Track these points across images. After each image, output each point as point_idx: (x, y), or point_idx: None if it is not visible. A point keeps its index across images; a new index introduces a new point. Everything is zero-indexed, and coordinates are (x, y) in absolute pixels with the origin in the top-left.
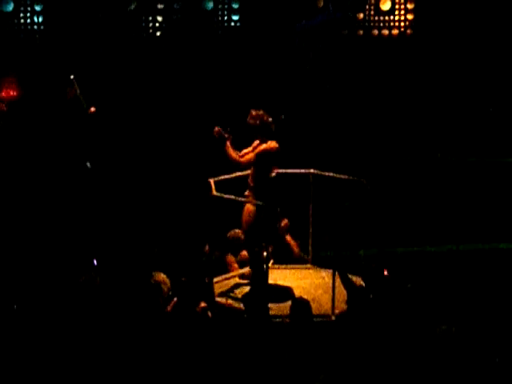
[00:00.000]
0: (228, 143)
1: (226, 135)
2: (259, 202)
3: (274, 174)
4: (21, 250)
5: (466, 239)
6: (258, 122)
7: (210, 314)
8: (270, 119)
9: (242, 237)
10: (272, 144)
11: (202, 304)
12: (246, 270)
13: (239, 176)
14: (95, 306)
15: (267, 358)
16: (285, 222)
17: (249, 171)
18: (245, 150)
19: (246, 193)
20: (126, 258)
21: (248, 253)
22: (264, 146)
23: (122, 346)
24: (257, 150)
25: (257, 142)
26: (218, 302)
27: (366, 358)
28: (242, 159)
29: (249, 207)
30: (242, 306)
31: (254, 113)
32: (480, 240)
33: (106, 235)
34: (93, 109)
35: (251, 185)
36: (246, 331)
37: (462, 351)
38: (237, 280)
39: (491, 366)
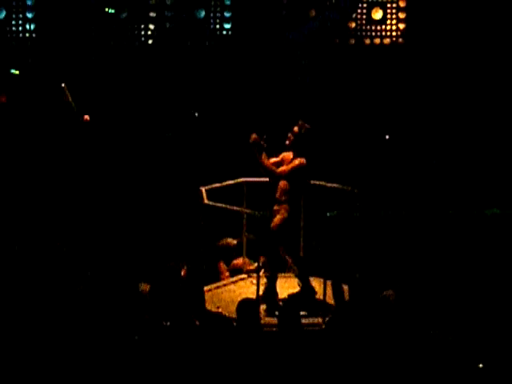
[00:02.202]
0: (264, 153)
1: (263, 143)
2: (250, 211)
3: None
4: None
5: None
6: (305, 135)
7: (197, 322)
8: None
9: (234, 245)
10: (303, 159)
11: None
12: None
13: (230, 185)
14: (81, 313)
15: (257, 366)
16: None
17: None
18: (272, 160)
19: (276, 207)
20: (115, 267)
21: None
22: (299, 160)
23: (108, 353)
24: (292, 165)
25: (288, 154)
26: (208, 310)
27: (355, 367)
28: (277, 170)
29: (279, 218)
30: (230, 314)
31: (307, 125)
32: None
33: (95, 243)
34: (86, 117)
35: (283, 198)
36: (237, 340)
37: (453, 357)
38: (230, 288)
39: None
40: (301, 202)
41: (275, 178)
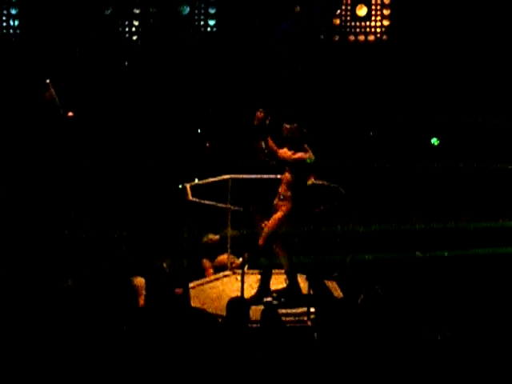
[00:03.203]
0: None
1: (267, 123)
2: (235, 207)
3: (311, 182)
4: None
5: (444, 245)
6: (296, 134)
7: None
8: (305, 130)
9: (216, 240)
10: (308, 153)
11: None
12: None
13: (214, 181)
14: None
15: (244, 363)
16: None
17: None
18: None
19: (276, 201)
20: (104, 262)
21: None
22: (301, 153)
23: (102, 348)
24: (297, 155)
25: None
26: (193, 307)
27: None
28: (280, 152)
29: (279, 215)
30: (216, 310)
31: (288, 126)
32: (455, 246)
33: (82, 239)
34: (71, 113)
35: (288, 194)
36: (223, 336)
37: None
38: (214, 285)
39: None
40: (302, 201)
41: (277, 160)
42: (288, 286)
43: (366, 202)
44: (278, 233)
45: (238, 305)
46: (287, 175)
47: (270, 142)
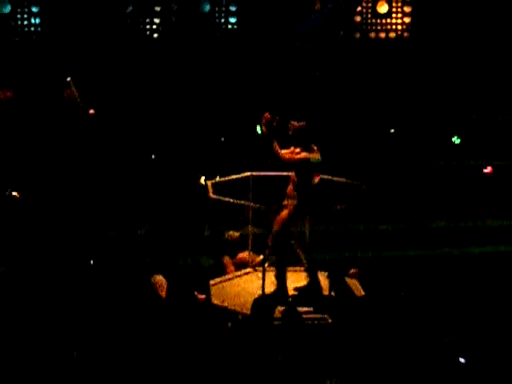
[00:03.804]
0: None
1: (275, 124)
2: (255, 205)
3: (316, 181)
4: (17, 248)
5: (460, 243)
6: (303, 132)
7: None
8: (313, 129)
9: (237, 237)
10: (311, 154)
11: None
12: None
13: (236, 178)
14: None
15: (261, 359)
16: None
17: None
18: (284, 151)
19: (285, 202)
20: (125, 258)
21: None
22: (304, 154)
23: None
24: (300, 156)
25: (297, 149)
26: (214, 303)
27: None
28: (283, 153)
29: (284, 213)
30: (237, 307)
31: (296, 124)
32: (475, 244)
33: (103, 235)
34: (92, 111)
35: (294, 194)
36: (244, 333)
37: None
38: (235, 282)
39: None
40: (307, 199)
41: (281, 162)
42: (308, 283)
43: (388, 199)
44: (285, 231)
45: (261, 303)
46: (293, 175)
47: (275, 145)
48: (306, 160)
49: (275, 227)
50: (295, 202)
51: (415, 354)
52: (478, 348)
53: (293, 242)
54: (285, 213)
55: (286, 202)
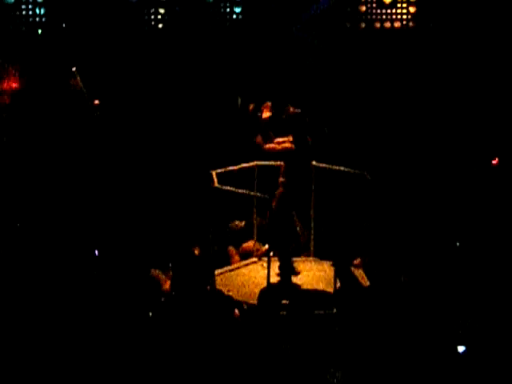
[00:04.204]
0: (261, 125)
1: (259, 115)
2: (260, 194)
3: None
4: (23, 242)
5: (464, 235)
6: (294, 119)
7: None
8: (307, 119)
9: (242, 227)
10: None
11: None
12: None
13: (241, 168)
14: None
15: (267, 348)
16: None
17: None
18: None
19: (277, 190)
20: (127, 251)
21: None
22: (288, 144)
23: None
24: (281, 146)
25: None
26: (218, 292)
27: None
28: (265, 145)
29: (274, 201)
30: (242, 296)
31: (291, 110)
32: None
33: (107, 228)
34: (97, 101)
35: (280, 181)
36: (251, 323)
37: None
38: (240, 272)
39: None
40: (297, 186)
41: (265, 152)
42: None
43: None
44: (281, 220)
45: (266, 293)
46: (282, 164)
47: (258, 136)
48: (288, 150)
49: (267, 216)
50: (281, 188)
51: (419, 344)
52: (481, 337)
53: (298, 229)
54: (273, 201)
55: (277, 191)
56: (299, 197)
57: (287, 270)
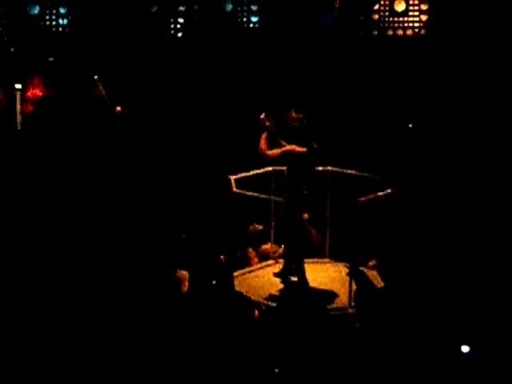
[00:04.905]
0: (266, 133)
1: (268, 124)
2: (278, 199)
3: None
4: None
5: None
6: (297, 123)
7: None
8: (310, 123)
9: (260, 230)
10: (294, 146)
11: None
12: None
13: (258, 174)
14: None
15: (280, 347)
16: (306, 214)
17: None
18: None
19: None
20: (153, 252)
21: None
22: (290, 147)
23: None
24: (281, 150)
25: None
26: (237, 293)
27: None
28: (266, 151)
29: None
30: (260, 298)
31: (294, 115)
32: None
33: (132, 230)
34: (118, 108)
35: (284, 185)
36: (265, 322)
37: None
38: (258, 274)
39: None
40: (301, 190)
41: (267, 160)
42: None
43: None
44: (290, 222)
45: (283, 294)
46: (284, 168)
47: (261, 143)
48: (288, 153)
49: (274, 220)
50: (285, 192)
51: (430, 344)
52: (486, 337)
53: (310, 229)
54: (280, 205)
55: (283, 195)
56: (305, 200)
57: (301, 271)
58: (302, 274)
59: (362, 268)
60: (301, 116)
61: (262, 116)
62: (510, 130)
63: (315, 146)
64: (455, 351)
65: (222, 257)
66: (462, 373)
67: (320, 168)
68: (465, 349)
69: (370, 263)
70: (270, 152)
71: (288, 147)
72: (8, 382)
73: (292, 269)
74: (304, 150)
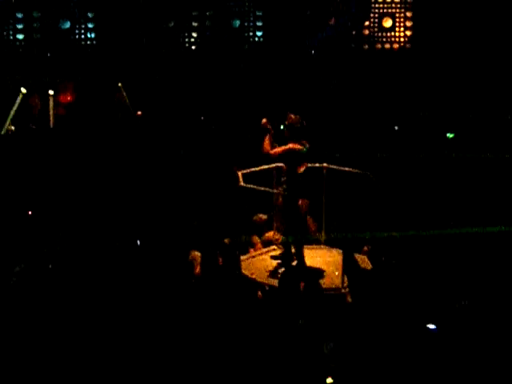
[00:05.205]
0: (268, 135)
1: (269, 127)
2: (280, 191)
3: (302, 170)
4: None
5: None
6: (297, 124)
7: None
8: (305, 123)
9: (265, 219)
10: (295, 145)
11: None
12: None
13: (262, 169)
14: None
15: (282, 324)
16: (305, 202)
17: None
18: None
19: (280, 187)
20: (168, 236)
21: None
22: (291, 145)
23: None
24: (283, 148)
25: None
26: (243, 275)
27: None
28: (270, 151)
29: (280, 199)
30: (264, 279)
31: (292, 116)
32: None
33: (151, 218)
34: (139, 112)
35: (282, 180)
36: (268, 302)
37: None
38: (262, 258)
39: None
40: (296, 185)
41: (269, 157)
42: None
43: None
44: (289, 213)
45: (284, 275)
46: (283, 165)
47: (265, 143)
48: (288, 151)
49: (275, 211)
50: (284, 187)
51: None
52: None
53: (307, 218)
54: (280, 199)
55: (280, 188)
56: (303, 192)
57: (300, 255)
58: (301, 258)
59: (356, 253)
60: (298, 117)
61: (264, 121)
62: (484, 131)
63: (307, 145)
64: (422, 328)
65: (228, 242)
66: (428, 348)
67: (317, 164)
68: (430, 326)
69: (365, 248)
70: (272, 151)
71: (288, 146)
72: (8, 382)
73: (292, 253)
74: (302, 147)
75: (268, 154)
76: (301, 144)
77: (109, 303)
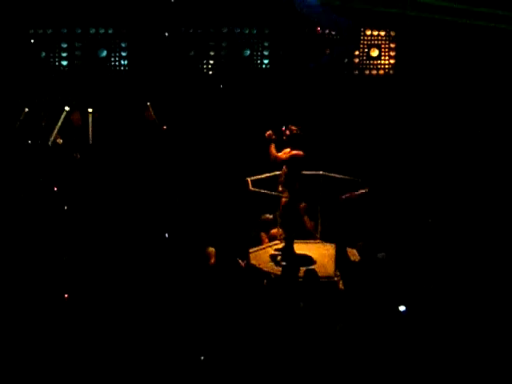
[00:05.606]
0: (273, 144)
1: (274, 137)
2: (285, 195)
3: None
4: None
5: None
6: (297, 134)
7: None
8: (302, 133)
9: (271, 219)
10: (299, 152)
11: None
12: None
13: (269, 176)
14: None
15: (285, 307)
16: (303, 205)
17: (278, 172)
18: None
19: (279, 189)
20: (190, 233)
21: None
22: (296, 152)
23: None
24: (289, 153)
25: (288, 149)
26: (252, 265)
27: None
28: (279, 155)
29: (282, 200)
30: (269, 268)
31: (294, 128)
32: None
33: (177, 216)
34: (164, 127)
35: (282, 181)
36: (273, 287)
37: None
38: (268, 251)
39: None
40: (296, 186)
41: (276, 161)
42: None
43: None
44: (290, 213)
45: (287, 266)
46: (284, 169)
47: (271, 149)
48: (292, 157)
49: (279, 211)
50: (286, 190)
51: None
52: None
53: (305, 217)
54: (283, 200)
55: (280, 189)
56: (301, 194)
57: (291, 250)
58: (290, 250)
59: (349, 248)
60: (298, 128)
61: (269, 132)
62: (461, 141)
63: (302, 153)
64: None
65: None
66: (399, 328)
67: (314, 172)
68: (401, 308)
69: (359, 244)
70: (280, 154)
71: (294, 152)
72: (8, 381)
73: (292, 247)
74: (303, 154)
75: (275, 159)
76: (303, 151)
77: (141, 283)
